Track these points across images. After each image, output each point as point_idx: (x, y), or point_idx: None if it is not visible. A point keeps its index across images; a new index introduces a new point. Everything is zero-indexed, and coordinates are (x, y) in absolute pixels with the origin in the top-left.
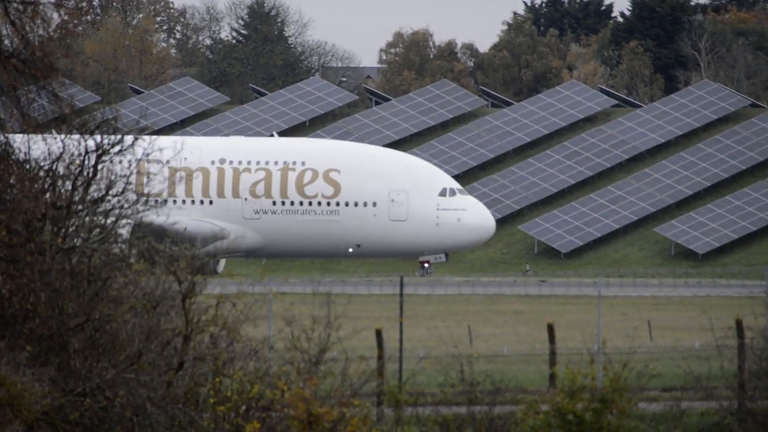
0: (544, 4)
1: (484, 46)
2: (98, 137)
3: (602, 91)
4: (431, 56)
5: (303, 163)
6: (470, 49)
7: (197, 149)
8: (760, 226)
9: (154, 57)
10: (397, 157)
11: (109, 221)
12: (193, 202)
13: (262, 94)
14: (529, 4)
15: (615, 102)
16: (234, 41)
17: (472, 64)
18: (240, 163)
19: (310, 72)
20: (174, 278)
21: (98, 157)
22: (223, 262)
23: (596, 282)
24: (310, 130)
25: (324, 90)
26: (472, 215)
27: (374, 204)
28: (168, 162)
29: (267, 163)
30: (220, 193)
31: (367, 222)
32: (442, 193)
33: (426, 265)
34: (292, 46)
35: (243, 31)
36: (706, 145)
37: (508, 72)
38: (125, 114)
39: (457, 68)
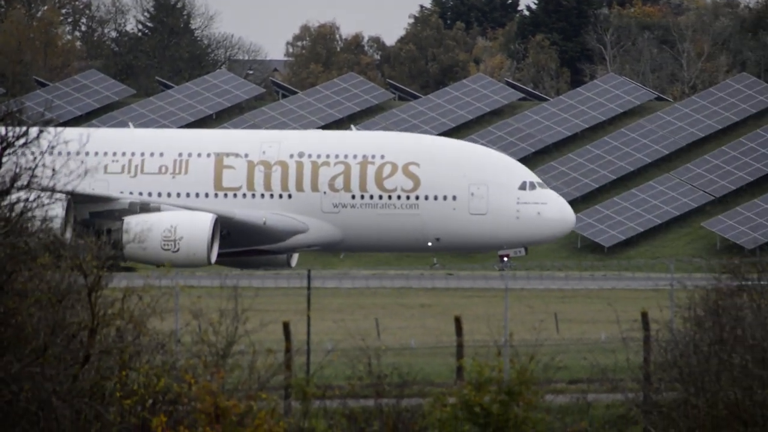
0: None
1: (390, 39)
2: (2, 129)
3: (509, 84)
4: (338, 49)
5: (382, 157)
6: (377, 42)
7: (276, 143)
8: (666, 219)
9: (59, 49)
10: (477, 150)
11: (14, 215)
12: (271, 195)
13: (168, 87)
14: None
15: (521, 95)
16: (140, 34)
17: (378, 57)
18: (319, 156)
19: (217, 65)
20: (80, 272)
21: (2, 149)
22: (296, 256)
23: (503, 275)
24: (216, 123)
25: (231, 83)
26: (552, 209)
27: (454, 197)
28: (246, 155)
29: (346, 156)
30: (299, 187)
31: (447, 216)
32: (522, 187)
33: (505, 258)
34: (198, 38)
35: (149, 24)
36: (611, 139)
37: (415, 65)
38: (30, 107)
39: (363, 61)
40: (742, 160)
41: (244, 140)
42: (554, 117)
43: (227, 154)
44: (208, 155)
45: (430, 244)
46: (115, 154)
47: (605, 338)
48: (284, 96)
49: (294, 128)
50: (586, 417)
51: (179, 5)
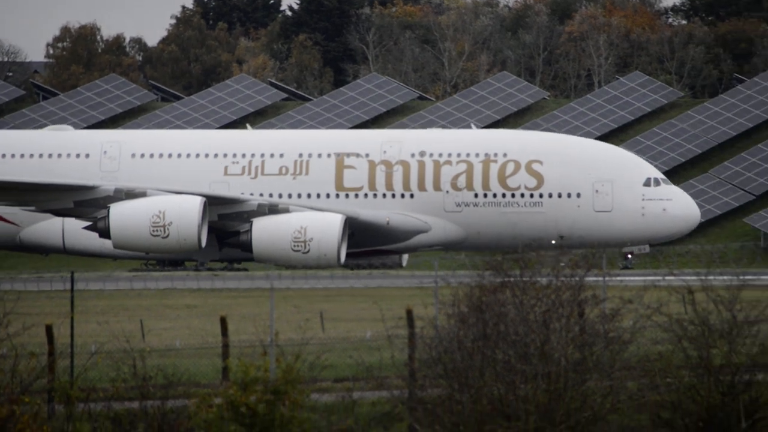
0: None
1: (152, 40)
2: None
3: (272, 84)
4: (99, 50)
5: (505, 155)
6: (139, 43)
7: (397, 142)
8: None
9: None
10: (600, 147)
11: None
12: (393, 195)
13: None
14: None
15: (285, 95)
16: None
17: (140, 58)
18: (440, 155)
19: None
20: None
21: None
22: (406, 256)
23: (269, 275)
24: None
25: None
26: (677, 205)
27: (578, 195)
28: (367, 155)
29: (468, 155)
30: (421, 187)
31: (571, 213)
32: (647, 183)
33: (629, 256)
34: None
35: None
36: None
37: (178, 66)
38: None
39: (125, 62)
40: None
41: (364, 140)
42: (317, 117)
43: (348, 154)
44: (329, 155)
45: (554, 242)
46: (235, 155)
47: (370, 336)
48: (45, 98)
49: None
50: (351, 415)
51: None
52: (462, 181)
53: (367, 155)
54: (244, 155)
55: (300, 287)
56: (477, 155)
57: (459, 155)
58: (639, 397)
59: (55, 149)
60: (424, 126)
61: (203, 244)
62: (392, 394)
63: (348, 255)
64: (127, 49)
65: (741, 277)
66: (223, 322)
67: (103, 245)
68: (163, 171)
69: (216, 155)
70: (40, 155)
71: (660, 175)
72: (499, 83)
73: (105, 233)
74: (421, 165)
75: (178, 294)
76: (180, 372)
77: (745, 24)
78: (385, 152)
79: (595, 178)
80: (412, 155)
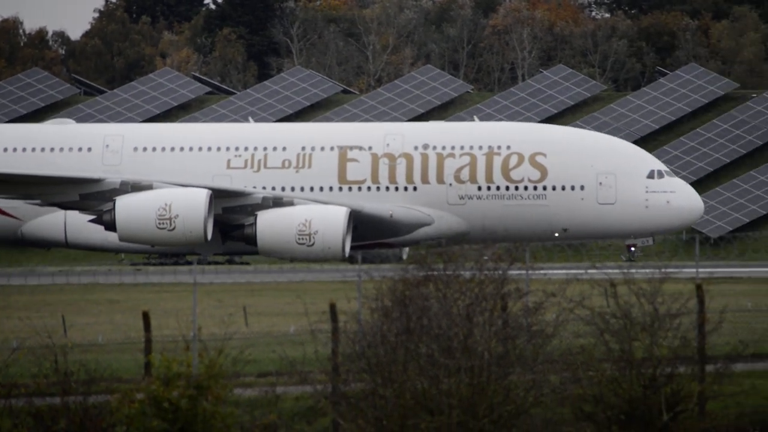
0: None
1: (75, 33)
2: None
3: (196, 78)
4: (22, 44)
5: (508, 147)
6: (62, 36)
7: (400, 135)
8: None
9: None
10: (603, 139)
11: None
12: (396, 188)
13: None
14: None
15: (209, 89)
16: None
17: (63, 52)
18: (444, 148)
19: None
20: None
21: None
22: (407, 249)
23: (192, 270)
24: None
25: None
26: (681, 197)
27: (582, 187)
28: (370, 148)
29: (471, 147)
30: (425, 179)
31: (575, 206)
32: (650, 175)
33: (633, 249)
34: None
35: None
36: None
37: (101, 59)
38: None
39: (48, 56)
40: None
41: (367, 133)
42: (242, 110)
43: (351, 147)
44: (332, 149)
45: (557, 234)
46: (237, 149)
47: (294, 331)
48: None
49: None
50: (274, 410)
51: None
52: (465, 173)
53: (370, 148)
54: (246, 148)
55: (223, 282)
56: (480, 148)
57: (462, 148)
58: (561, 390)
59: (56, 143)
60: (347, 120)
61: (209, 237)
62: (315, 389)
63: (351, 248)
64: (50, 42)
65: (663, 270)
66: (146, 317)
67: (106, 239)
68: (165, 164)
69: (219, 148)
70: (42, 149)
71: (663, 167)
72: (423, 77)
73: (111, 226)
74: (424, 158)
75: (100, 289)
76: (102, 367)
77: (667, 17)
78: (388, 145)
79: (598, 170)
80: (415, 148)
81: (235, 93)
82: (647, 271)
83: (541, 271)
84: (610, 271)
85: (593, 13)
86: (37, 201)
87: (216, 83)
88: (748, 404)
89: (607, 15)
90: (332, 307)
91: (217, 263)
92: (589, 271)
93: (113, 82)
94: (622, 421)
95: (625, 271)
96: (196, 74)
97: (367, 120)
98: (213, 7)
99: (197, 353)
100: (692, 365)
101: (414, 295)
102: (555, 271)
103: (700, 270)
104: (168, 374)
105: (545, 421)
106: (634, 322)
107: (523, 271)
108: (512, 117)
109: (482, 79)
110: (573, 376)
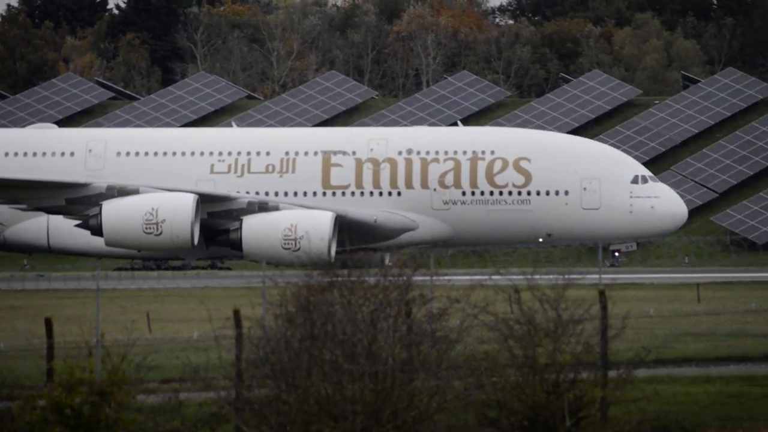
0: None
1: None
2: None
3: (99, 83)
4: None
5: (492, 152)
6: None
7: (384, 140)
8: None
9: None
10: (587, 145)
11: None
12: (381, 193)
13: None
14: None
15: (112, 94)
16: None
17: None
18: (428, 153)
19: None
20: None
21: None
22: (389, 255)
23: (95, 275)
24: None
25: None
26: (665, 202)
27: (566, 192)
28: (354, 153)
29: (455, 152)
30: (408, 184)
31: (559, 211)
32: (635, 181)
33: (617, 254)
34: None
35: None
36: None
37: (3, 65)
38: None
39: None
40: None
41: (351, 138)
42: (146, 116)
43: (334, 152)
44: (315, 153)
45: (541, 239)
46: (221, 153)
47: (197, 336)
48: None
49: None
50: (178, 416)
51: None
52: (449, 178)
53: (353, 153)
54: (230, 153)
55: (126, 288)
56: (464, 153)
57: (446, 153)
58: (465, 396)
59: (39, 147)
60: (252, 125)
61: (196, 241)
62: (219, 395)
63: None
64: None
65: (566, 276)
66: (48, 323)
67: (89, 244)
68: (148, 169)
69: (202, 153)
70: (25, 153)
71: (647, 173)
72: (328, 82)
73: (97, 231)
74: (409, 163)
75: (2, 295)
76: (3, 374)
77: (570, 24)
78: (371, 150)
79: (583, 175)
80: (399, 153)
81: (138, 98)
82: (551, 277)
83: (446, 277)
84: (514, 277)
85: (497, 20)
86: (23, 205)
87: (119, 88)
88: (649, 410)
89: (511, 22)
90: (236, 313)
91: (200, 268)
92: (494, 277)
93: (15, 87)
94: (525, 426)
95: (529, 277)
96: (100, 79)
97: (270, 125)
98: (116, 12)
99: (100, 359)
100: (595, 371)
101: (318, 301)
102: (459, 277)
103: (603, 276)
104: (70, 380)
105: (449, 427)
106: (538, 328)
107: (428, 278)
108: (417, 123)
109: (387, 85)
110: (477, 382)
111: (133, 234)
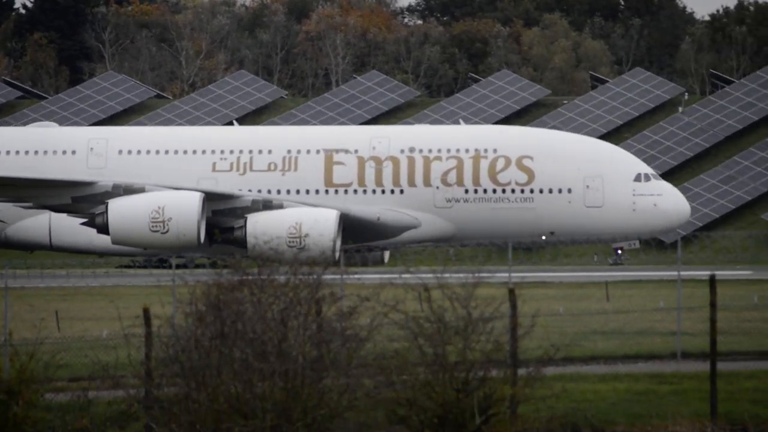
0: None
1: None
2: None
3: (6, 83)
4: None
5: (495, 151)
6: None
7: (386, 138)
8: None
9: None
10: (590, 143)
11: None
12: (383, 191)
13: None
14: None
15: (20, 93)
16: None
17: None
18: (430, 151)
19: None
20: None
21: None
22: (387, 253)
23: (3, 273)
24: None
25: None
26: (668, 200)
27: (569, 190)
28: (356, 151)
29: (458, 150)
30: (411, 182)
31: (562, 209)
32: (637, 179)
33: (620, 251)
34: None
35: None
36: None
37: None
38: None
39: None
40: None
41: (353, 136)
42: (54, 115)
43: (337, 151)
44: (318, 152)
45: (544, 237)
46: (223, 152)
47: (107, 335)
48: None
49: None
50: (87, 414)
51: None
52: (452, 176)
53: (356, 151)
54: (232, 152)
55: (35, 286)
56: (467, 151)
57: (449, 151)
58: (375, 394)
59: (41, 146)
60: (161, 124)
61: (202, 239)
62: (128, 393)
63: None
64: None
65: (476, 275)
66: None
67: (91, 241)
68: (150, 167)
69: (204, 152)
70: (26, 152)
71: (650, 171)
72: (237, 82)
73: (103, 229)
74: (411, 161)
75: None
76: None
77: (479, 24)
78: (374, 148)
79: (585, 173)
80: (402, 151)
81: (46, 98)
82: (461, 275)
83: (356, 276)
84: (424, 275)
85: (406, 20)
86: (29, 204)
87: (27, 87)
88: (559, 408)
89: (420, 22)
90: (146, 312)
91: (203, 266)
92: (404, 275)
93: None
94: (435, 424)
95: (439, 276)
96: (7, 78)
97: (180, 125)
98: (23, 11)
99: (8, 358)
100: (504, 369)
101: (228, 300)
102: (369, 276)
103: (513, 275)
104: None
105: (359, 425)
106: (448, 326)
107: (338, 276)
108: (326, 122)
109: (296, 84)
110: (387, 380)
111: (139, 232)
